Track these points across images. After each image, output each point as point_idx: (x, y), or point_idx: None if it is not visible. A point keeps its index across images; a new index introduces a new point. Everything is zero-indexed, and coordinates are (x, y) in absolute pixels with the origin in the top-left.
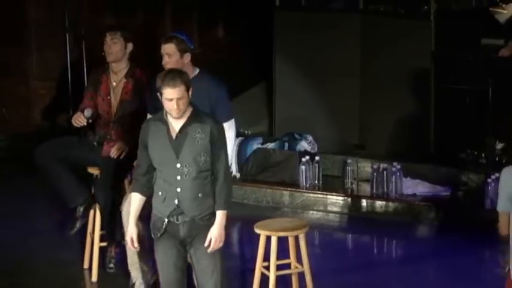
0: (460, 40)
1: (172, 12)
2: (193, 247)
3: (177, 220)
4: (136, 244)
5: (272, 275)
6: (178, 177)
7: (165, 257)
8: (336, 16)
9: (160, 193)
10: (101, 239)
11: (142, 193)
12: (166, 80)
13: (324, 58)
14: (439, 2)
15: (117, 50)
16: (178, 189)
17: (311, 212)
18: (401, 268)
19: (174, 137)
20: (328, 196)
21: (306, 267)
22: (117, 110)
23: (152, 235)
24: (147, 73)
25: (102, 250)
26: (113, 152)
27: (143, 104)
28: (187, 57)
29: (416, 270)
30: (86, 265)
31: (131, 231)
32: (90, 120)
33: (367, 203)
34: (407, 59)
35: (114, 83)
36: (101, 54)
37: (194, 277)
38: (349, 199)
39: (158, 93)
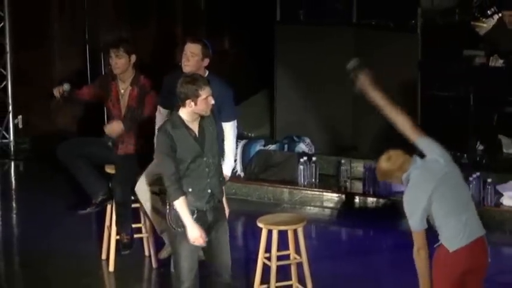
0: (444, 51)
1: (182, 25)
2: (215, 228)
3: (205, 208)
4: (206, 239)
5: (273, 265)
6: (207, 169)
7: (193, 245)
8: (332, 29)
9: (190, 189)
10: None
11: (184, 195)
12: (199, 83)
13: (321, 68)
14: (426, 16)
15: (122, 63)
16: (208, 180)
17: (308, 207)
18: (390, 258)
19: (196, 135)
20: (324, 193)
21: (304, 258)
22: (125, 115)
23: (176, 228)
24: (150, 80)
25: (118, 242)
26: (108, 130)
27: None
28: (206, 62)
29: (404, 259)
30: (103, 256)
31: (199, 231)
32: (65, 94)
33: (359, 199)
34: (396, 68)
35: (122, 90)
36: None
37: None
38: (343, 196)
39: (189, 100)
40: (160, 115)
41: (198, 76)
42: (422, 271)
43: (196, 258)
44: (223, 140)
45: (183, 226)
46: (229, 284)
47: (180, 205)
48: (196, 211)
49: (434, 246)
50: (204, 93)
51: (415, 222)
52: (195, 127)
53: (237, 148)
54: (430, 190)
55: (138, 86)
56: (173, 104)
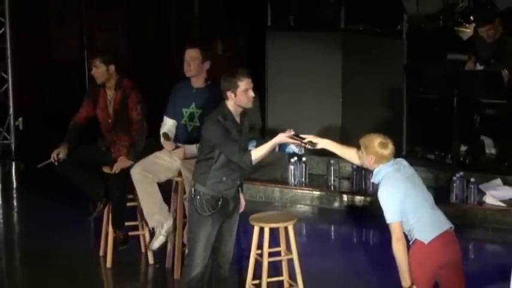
0: (429, 55)
1: (177, 31)
2: (229, 219)
3: (230, 196)
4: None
5: (265, 261)
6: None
7: (212, 230)
8: (321, 34)
9: (224, 178)
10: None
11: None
12: (238, 74)
13: (310, 71)
14: (411, 22)
15: (100, 73)
16: (240, 171)
17: (299, 206)
18: (376, 254)
19: (239, 129)
20: (314, 192)
21: (294, 254)
22: (113, 119)
23: (199, 211)
24: (133, 82)
25: (115, 239)
26: (114, 169)
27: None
28: (207, 64)
29: (390, 255)
30: (101, 253)
31: (279, 135)
32: (60, 161)
33: (347, 197)
34: (383, 72)
35: (109, 97)
36: None
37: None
38: (332, 194)
39: (229, 92)
40: (166, 125)
41: (238, 69)
42: (402, 261)
43: (211, 245)
44: None
45: (208, 210)
46: (226, 278)
47: (256, 153)
48: (221, 199)
49: (410, 243)
50: (243, 84)
51: (392, 213)
52: (238, 120)
53: None
54: (404, 186)
55: (121, 89)
56: (178, 113)
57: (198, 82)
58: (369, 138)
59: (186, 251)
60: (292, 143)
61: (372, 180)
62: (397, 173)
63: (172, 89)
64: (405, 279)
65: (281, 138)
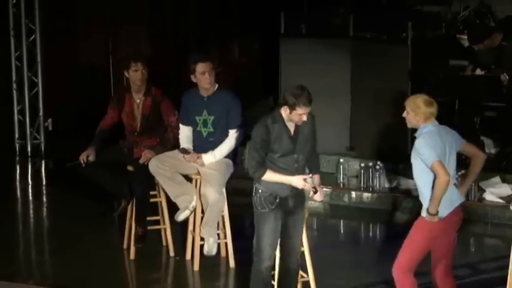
0: (432, 61)
1: (196, 38)
2: (294, 213)
3: (287, 195)
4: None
5: (278, 253)
6: (296, 165)
7: (275, 224)
8: (331, 41)
9: None
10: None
11: (266, 169)
12: (302, 99)
13: (321, 76)
14: (416, 29)
15: (141, 77)
16: (296, 174)
17: (310, 202)
18: (383, 247)
19: (291, 134)
20: (324, 189)
21: (306, 247)
22: (141, 123)
23: (259, 208)
24: (160, 89)
25: (135, 235)
26: (142, 160)
27: (161, 115)
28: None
29: (395, 249)
30: (125, 246)
31: (298, 177)
32: (88, 163)
33: (356, 194)
34: (389, 76)
35: (138, 100)
36: None
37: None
38: (341, 191)
39: (286, 107)
40: (183, 133)
41: (307, 94)
42: (439, 194)
43: (277, 238)
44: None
45: (267, 207)
46: (295, 270)
47: (270, 176)
48: (278, 197)
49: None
50: (301, 110)
51: (431, 154)
52: (291, 126)
53: (244, 149)
54: (442, 146)
55: (150, 96)
56: (192, 121)
57: (207, 90)
58: (414, 100)
59: (188, 253)
60: (307, 188)
61: (415, 134)
62: (436, 136)
63: (182, 98)
64: (434, 206)
65: (297, 182)
